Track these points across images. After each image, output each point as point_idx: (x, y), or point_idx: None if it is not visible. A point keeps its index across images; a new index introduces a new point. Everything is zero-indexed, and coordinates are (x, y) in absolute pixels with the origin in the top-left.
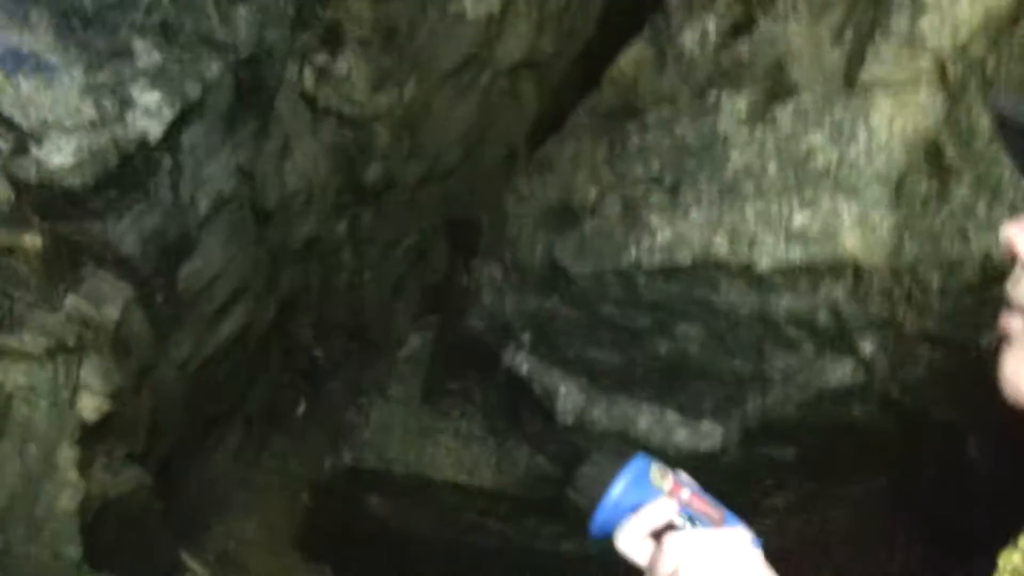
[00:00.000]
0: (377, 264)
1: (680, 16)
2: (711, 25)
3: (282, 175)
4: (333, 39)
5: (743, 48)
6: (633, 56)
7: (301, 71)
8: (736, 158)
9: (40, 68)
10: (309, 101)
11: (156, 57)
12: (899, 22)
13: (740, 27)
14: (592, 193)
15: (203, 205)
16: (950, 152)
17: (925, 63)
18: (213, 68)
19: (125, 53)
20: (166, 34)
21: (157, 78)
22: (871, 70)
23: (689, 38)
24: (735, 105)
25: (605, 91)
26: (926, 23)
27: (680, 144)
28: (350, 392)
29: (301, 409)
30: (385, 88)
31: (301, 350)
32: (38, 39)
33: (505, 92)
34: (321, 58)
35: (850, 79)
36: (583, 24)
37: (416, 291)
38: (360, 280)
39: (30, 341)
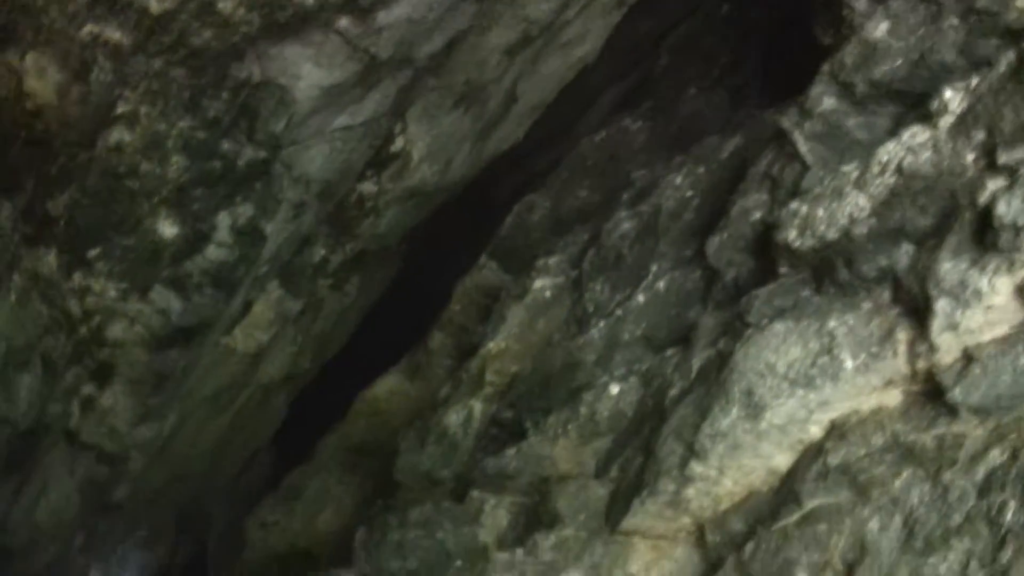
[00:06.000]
0: (104, 559)
1: (447, 388)
2: (477, 408)
3: (33, 517)
4: (103, 375)
5: (510, 459)
6: (388, 386)
7: (67, 407)
8: None
9: None
10: (70, 437)
11: None
12: (666, 485)
13: (504, 425)
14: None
15: None
16: None
17: (686, 522)
18: None
19: None
20: None
21: None
22: (634, 520)
23: (454, 418)
24: (497, 519)
25: (355, 423)
26: (692, 490)
27: (440, 549)
28: None
29: None
30: (147, 422)
31: None
32: None
33: (257, 404)
34: (88, 390)
35: (613, 521)
36: (340, 338)
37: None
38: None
39: None
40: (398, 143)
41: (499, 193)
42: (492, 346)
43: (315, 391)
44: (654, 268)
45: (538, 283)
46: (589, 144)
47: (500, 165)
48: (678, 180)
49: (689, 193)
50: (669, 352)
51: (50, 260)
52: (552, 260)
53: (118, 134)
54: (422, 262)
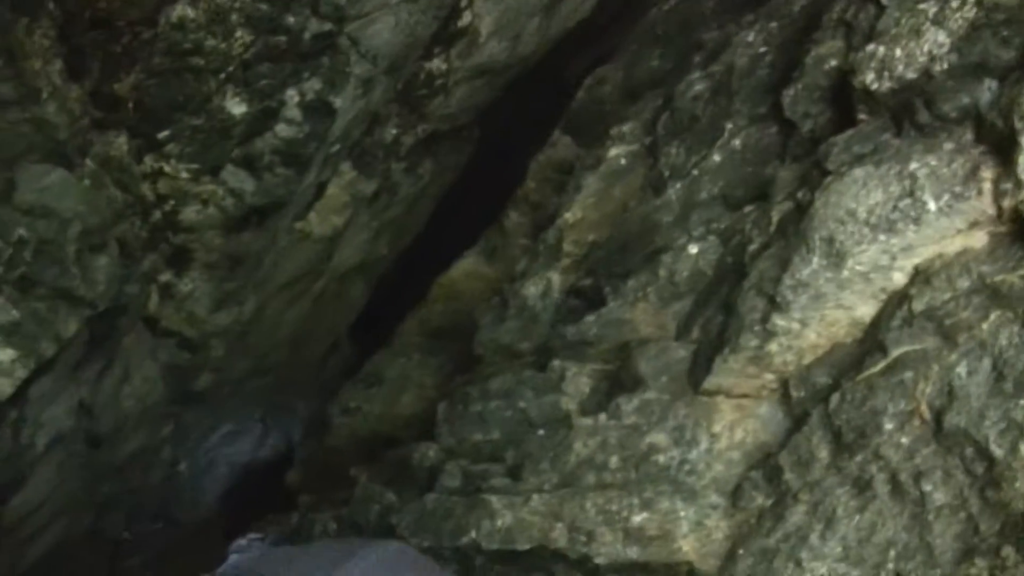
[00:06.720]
0: (192, 452)
1: (525, 262)
2: (555, 279)
3: (118, 401)
4: (180, 261)
5: (590, 326)
6: (465, 268)
7: (146, 292)
8: (579, 448)
9: None
10: (151, 323)
11: (13, 314)
12: (748, 340)
13: (583, 293)
14: (429, 458)
15: (41, 443)
16: (787, 474)
17: (769, 379)
18: (70, 325)
19: None
20: (24, 289)
21: (13, 335)
22: (716, 379)
23: (532, 290)
24: (579, 386)
25: (433, 306)
26: (774, 345)
27: (522, 418)
28: (150, 567)
29: None
30: (226, 307)
31: (108, 538)
32: None
33: (335, 292)
34: (166, 277)
35: (695, 381)
36: (415, 224)
37: (225, 467)
38: (175, 471)
39: None
40: (465, 18)
41: (570, 74)
42: (568, 216)
43: (393, 280)
44: (729, 126)
45: (612, 151)
46: (659, 13)
47: (570, 46)
48: (750, 37)
49: (762, 49)
50: (747, 209)
51: (120, 143)
52: (626, 127)
53: (180, 9)
54: (496, 148)
